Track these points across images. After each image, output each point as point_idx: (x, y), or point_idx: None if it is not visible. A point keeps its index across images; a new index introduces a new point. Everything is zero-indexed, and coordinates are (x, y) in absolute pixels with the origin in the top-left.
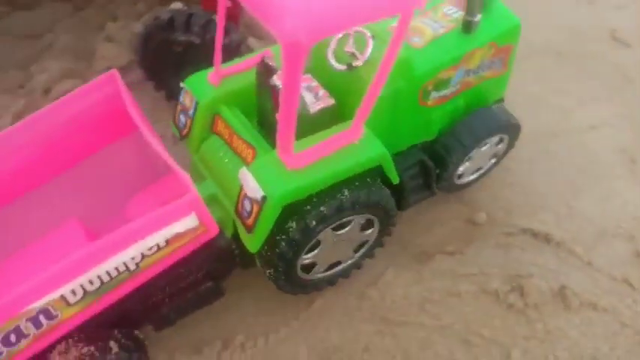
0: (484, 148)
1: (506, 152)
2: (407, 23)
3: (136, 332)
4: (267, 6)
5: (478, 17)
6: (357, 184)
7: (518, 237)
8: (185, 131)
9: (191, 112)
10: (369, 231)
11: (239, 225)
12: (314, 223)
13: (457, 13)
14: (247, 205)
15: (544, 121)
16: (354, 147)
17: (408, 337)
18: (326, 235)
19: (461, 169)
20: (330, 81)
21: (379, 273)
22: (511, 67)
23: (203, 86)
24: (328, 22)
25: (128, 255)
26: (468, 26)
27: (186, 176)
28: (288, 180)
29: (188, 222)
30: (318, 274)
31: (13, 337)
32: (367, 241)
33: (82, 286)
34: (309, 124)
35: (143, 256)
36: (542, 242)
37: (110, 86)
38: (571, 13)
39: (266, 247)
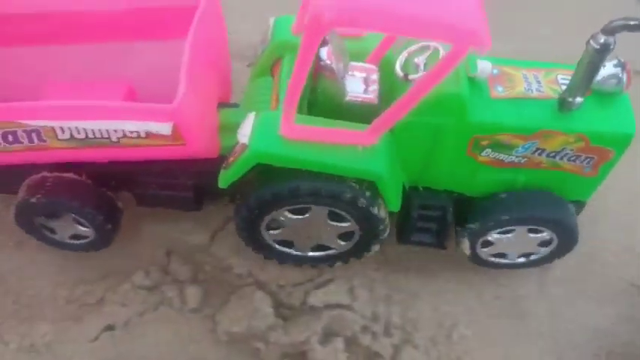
0: (531, 235)
1: (550, 258)
2: (457, 57)
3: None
4: None
5: (577, 99)
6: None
7: None
8: (253, 61)
9: (264, 46)
10: (346, 224)
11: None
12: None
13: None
14: (237, 144)
15: None
16: (358, 151)
17: None
18: (285, 215)
19: (490, 248)
20: (391, 86)
21: None
22: (603, 174)
23: (283, 29)
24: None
25: (106, 126)
26: (561, 104)
27: (183, 91)
28: (273, 143)
29: (161, 127)
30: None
31: (10, 137)
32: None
33: (69, 128)
34: (342, 110)
35: (124, 135)
36: None
37: None
38: None
39: (239, 196)
